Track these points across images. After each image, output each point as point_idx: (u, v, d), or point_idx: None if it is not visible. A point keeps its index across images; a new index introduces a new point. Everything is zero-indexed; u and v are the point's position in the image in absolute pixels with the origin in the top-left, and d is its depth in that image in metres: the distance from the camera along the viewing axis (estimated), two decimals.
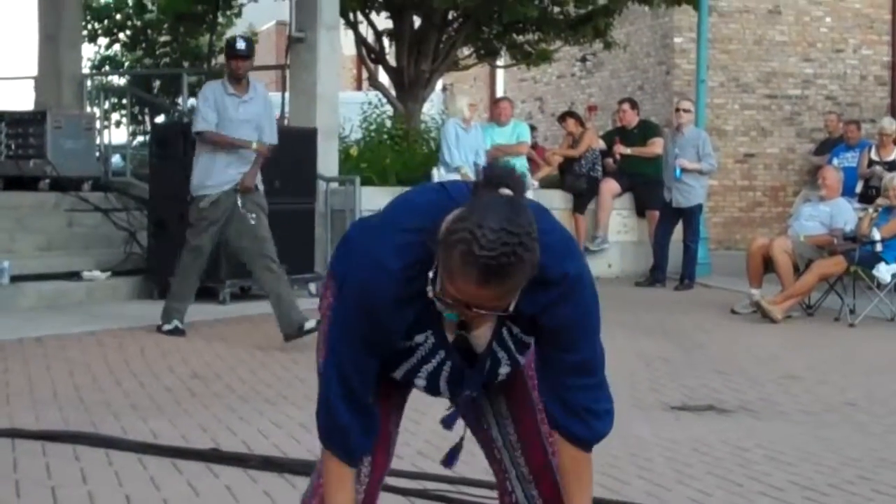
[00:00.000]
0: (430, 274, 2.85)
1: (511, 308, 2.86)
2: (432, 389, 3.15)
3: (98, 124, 16.11)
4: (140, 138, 20.50)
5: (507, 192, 2.83)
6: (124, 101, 19.41)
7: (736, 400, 7.83)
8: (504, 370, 3.13)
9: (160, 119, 20.01)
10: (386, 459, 3.25)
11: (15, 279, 11.55)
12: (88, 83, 17.10)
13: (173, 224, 11.99)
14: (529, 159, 15.80)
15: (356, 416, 3.04)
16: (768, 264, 12.07)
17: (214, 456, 5.94)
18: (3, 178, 14.46)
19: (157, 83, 22.77)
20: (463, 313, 2.88)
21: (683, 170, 14.25)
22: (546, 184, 15.94)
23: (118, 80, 22.08)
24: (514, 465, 3.33)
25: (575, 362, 3.09)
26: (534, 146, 16.96)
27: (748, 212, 21.48)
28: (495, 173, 2.88)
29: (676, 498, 5.42)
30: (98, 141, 15.85)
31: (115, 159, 17.26)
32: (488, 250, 2.69)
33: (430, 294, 2.87)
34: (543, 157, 16.82)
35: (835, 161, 15.44)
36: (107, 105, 17.72)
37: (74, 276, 12.18)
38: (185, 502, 5.18)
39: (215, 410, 7.09)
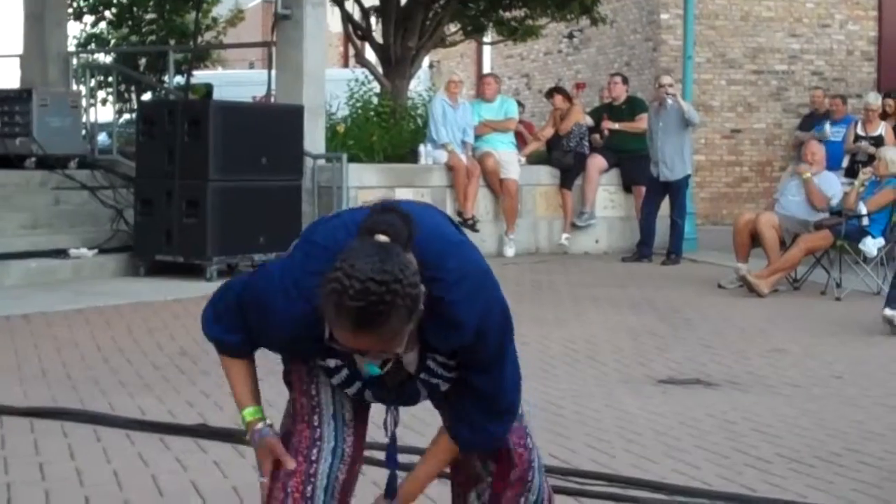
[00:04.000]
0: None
1: (401, 350, 2.92)
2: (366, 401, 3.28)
3: (84, 102, 16.05)
4: (126, 116, 20.44)
5: (383, 238, 2.86)
6: (110, 78, 19.28)
7: (722, 373, 7.86)
8: (444, 388, 3.20)
9: (146, 97, 19.94)
10: (364, 439, 3.36)
11: (1, 257, 11.53)
12: (74, 61, 17.01)
13: (160, 201, 12.00)
14: (517, 135, 15.80)
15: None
16: (755, 239, 12.10)
17: (203, 431, 5.95)
18: None
19: (143, 61, 22.65)
20: (356, 355, 2.96)
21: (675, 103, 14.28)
22: (533, 159, 15.95)
23: (104, 58, 21.98)
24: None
25: (479, 388, 3.18)
26: (521, 122, 16.95)
27: (735, 187, 21.48)
28: (374, 219, 2.92)
29: (663, 470, 5.44)
30: (84, 119, 15.80)
31: (102, 137, 17.20)
32: (356, 300, 2.76)
33: (326, 338, 2.93)
34: (532, 133, 16.82)
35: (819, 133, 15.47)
36: (93, 83, 17.56)
37: (61, 253, 12.15)
38: (174, 477, 5.19)
39: (203, 387, 7.09)
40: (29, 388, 6.97)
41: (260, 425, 3.28)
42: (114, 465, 5.39)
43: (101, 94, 19.85)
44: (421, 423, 5.91)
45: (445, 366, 3.15)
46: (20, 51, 16.50)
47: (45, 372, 7.48)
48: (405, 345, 2.93)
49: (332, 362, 3.14)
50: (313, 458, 3.22)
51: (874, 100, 15.52)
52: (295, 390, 3.34)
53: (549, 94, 16.56)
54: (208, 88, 21.79)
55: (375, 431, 3.56)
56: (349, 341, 2.84)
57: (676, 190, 14.58)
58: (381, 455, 5.01)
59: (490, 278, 3.16)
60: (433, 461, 3.34)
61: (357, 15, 18.27)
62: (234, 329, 3.25)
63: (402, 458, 5.33)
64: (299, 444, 3.26)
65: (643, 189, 15.00)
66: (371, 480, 4.58)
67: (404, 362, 3.10)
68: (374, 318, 2.78)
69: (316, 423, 3.24)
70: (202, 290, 11.12)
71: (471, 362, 3.14)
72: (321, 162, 13.47)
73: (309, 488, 3.19)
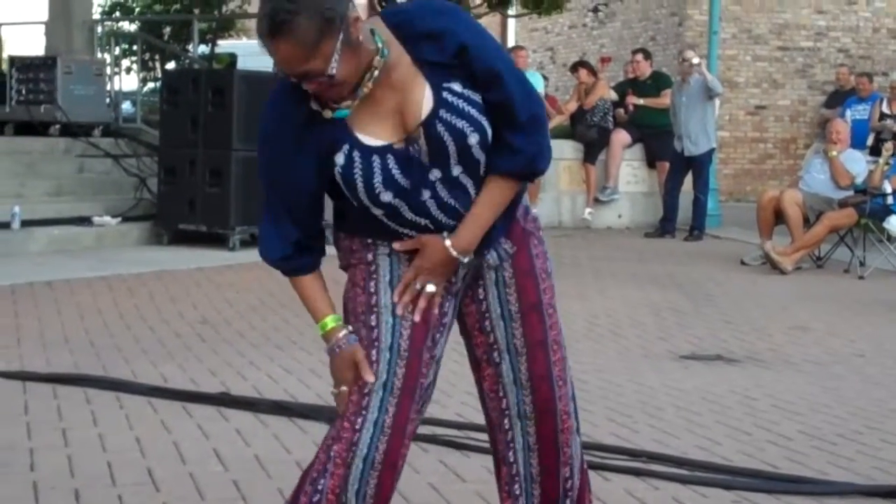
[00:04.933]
0: None
1: (333, 71, 2.93)
2: (403, 197, 3.13)
3: (108, 70, 16.08)
4: (150, 85, 20.46)
5: None
6: (135, 47, 19.33)
7: (744, 350, 7.84)
8: (473, 139, 3.11)
9: (171, 66, 19.94)
10: (410, 408, 3.18)
11: (26, 224, 11.58)
12: (99, 29, 17.05)
13: (183, 170, 12.03)
14: None
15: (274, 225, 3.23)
16: (779, 216, 12.05)
17: (225, 400, 5.97)
18: (14, 124, 14.48)
19: (167, 29, 22.67)
20: (314, 91, 3.01)
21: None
22: (557, 133, 15.90)
23: (129, 26, 22.04)
24: (517, 402, 3.35)
25: (500, 105, 3.14)
26: (545, 96, 16.91)
27: (759, 164, 21.43)
28: None
29: (685, 445, 5.43)
30: (108, 87, 15.83)
31: (126, 105, 17.24)
32: (267, 2, 2.90)
33: (276, 72, 3.02)
34: (555, 107, 16.79)
35: (847, 113, 15.38)
36: (117, 51, 17.62)
37: (85, 221, 12.21)
38: (196, 445, 5.21)
39: (225, 356, 7.11)
40: (52, 354, 7.00)
41: (344, 332, 3.18)
42: (136, 431, 5.41)
43: (125, 62, 19.88)
44: (443, 394, 5.93)
45: (465, 98, 3.10)
46: (45, 18, 16.53)
47: (68, 338, 7.50)
48: (339, 67, 2.93)
49: (340, 157, 3.09)
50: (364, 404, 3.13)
51: None
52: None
53: (574, 68, 16.53)
54: (232, 58, 21.78)
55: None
56: (276, 58, 2.93)
57: (700, 165, 14.55)
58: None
59: (458, 9, 3.21)
60: (480, 202, 3.18)
61: None
62: (283, 232, 3.22)
63: (423, 429, 5.36)
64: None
65: (667, 164, 14.98)
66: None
67: (415, 102, 3.08)
68: (283, 21, 2.86)
69: (374, 358, 3.16)
70: (225, 259, 11.20)
71: (480, 76, 3.11)
72: None
73: (356, 436, 3.10)
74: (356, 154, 3.08)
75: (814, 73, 21.61)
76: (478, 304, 3.33)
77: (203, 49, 17.85)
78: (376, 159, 3.08)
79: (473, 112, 3.10)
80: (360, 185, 3.09)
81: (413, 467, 4.89)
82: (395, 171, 3.09)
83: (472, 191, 3.17)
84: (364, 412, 3.11)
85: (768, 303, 9.86)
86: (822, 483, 4.94)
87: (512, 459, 3.40)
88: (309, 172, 3.12)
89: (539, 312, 3.33)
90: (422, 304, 3.18)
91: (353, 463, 3.09)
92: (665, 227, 14.68)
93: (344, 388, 3.17)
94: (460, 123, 3.09)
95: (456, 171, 3.14)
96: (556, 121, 16.08)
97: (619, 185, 15.67)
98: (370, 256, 3.24)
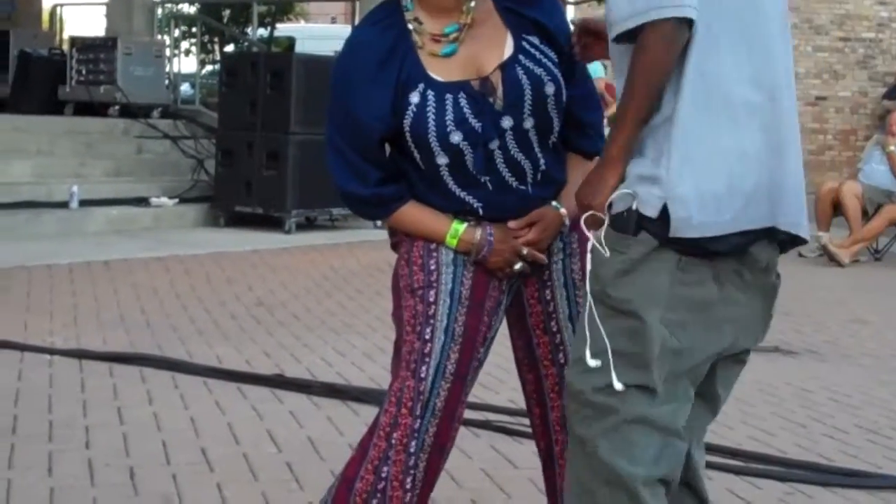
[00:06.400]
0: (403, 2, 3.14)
1: None
2: (472, 141, 3.10)
3: (168, 52, 16.16)
4: (209, 67, 20.55)
5: None
6: (194, 29, 19.41)
7: (801, 342, 7.78)
8: (550, 89, 3.13)
9: (229, 48, 20.02)
10: (462, 392, 3.19)
11: (84, 204, 11.66)
12: (159, 11, 17.13)
13: (241, 153, 12.07)
14: (600, 96, 15.69)
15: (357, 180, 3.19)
16: (837, 208, 11.96)
17: (279, 381, 5.99)
18: (74, 104, 14.58)
19: (226, 12, 22.76)
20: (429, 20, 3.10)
21: None
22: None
23: (188, 9, 22.11)
24: None
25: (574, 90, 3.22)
26: (605, 83, 16.82)
27: (818, 155, 21.22)
28: None
29: (739, 437, 5.40)
30: (167, 68, 15.91)
31: (185, 87, 17.33)
32: None
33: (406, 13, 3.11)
34: (613, 95, 16.71)
35: None
36: (177, 33, 17.71)
37: (142, 201, 12.28)
38: (250, 426, 5.23)
39: (280, 338, 7.13)
40: (108, 333, 7.05)
41: (479, 229, 3.15)
42: (191, 411, 5.44)
43: (184, 44, 19.97)
44: (496, 380, 5.93)
45: (542, 52, 3.15)
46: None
47: (125, 318, 7.55)
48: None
49: (415, 96, 3.09)
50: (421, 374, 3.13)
51: None
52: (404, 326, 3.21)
53: None
54: (291, 42, 21.85)
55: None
56: None
57: None
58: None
59: None
60: (571, 176, 3.23)
61: None
62: (361, 174, 3.18)
63: (476, 415, 5.35)
64: (409, 354, 3.15)
65: None
66: None
67: (496, 47, 3.14)
68: None
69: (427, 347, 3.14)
70: (280, 241, 11.24)
71: (554, 42, 3.19)
72: None
73: (419, 406, 3.11)
74: (430, 93, 3.09)
75: (875, 64, 21.37)
76: (544, 304, 3.29)
77: (262, 32, 17.89)
78: (449, 97, 3.08)
79: (550, 65, 3.15)
80: (431, 123, 3.07)
81: (465, 453, 4.89)
82: (468, 111, 3.08)
83: (538, 152, 3.17)
84: (421, 396, 3.12)
85: (825, 295, 9.78)
86: (877, 477, 4.90)
87: None
88: (382, 107, 3.11)
89: None
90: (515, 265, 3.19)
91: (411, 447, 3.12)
92: None
93: (523, 255, 3.17)
94: (538, 70, 3.13)
95: (528, 123, 3.13)
96: (613, 108, 16.00)
97: None
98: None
